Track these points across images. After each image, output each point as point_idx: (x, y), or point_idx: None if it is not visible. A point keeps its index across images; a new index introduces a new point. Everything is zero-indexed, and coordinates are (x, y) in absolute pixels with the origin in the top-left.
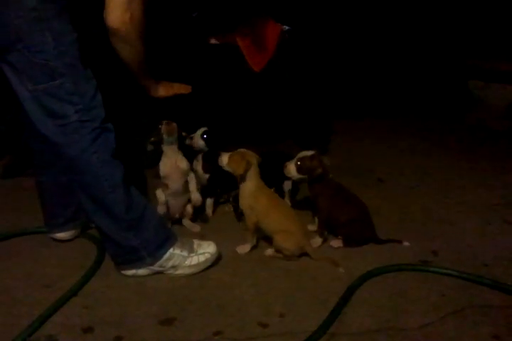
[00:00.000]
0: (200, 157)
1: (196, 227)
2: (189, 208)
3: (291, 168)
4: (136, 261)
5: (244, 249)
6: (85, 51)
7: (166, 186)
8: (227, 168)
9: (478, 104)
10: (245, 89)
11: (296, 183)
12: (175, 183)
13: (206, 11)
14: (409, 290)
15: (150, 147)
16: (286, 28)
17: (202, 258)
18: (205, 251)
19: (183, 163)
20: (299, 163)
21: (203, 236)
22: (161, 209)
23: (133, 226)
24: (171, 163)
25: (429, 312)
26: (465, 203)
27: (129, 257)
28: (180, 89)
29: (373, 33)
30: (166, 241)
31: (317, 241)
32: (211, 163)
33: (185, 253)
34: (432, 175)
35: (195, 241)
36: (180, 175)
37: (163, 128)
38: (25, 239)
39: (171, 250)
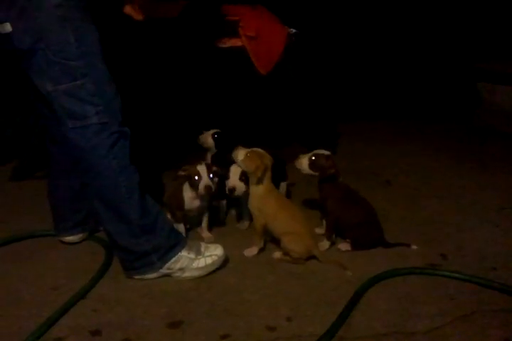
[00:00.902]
0: (208, 160)
1: (211, 238)
2: (204, 223)
3: (304, 162)
4: (147, 266)
5: (251, 251)
6: (106, 51)
7: (177, 214)
8: (239, 164)
9: (486, 107)
10: (252, 92)
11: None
12: (193, 213)
13: (213, 15)
14: (417, 293)
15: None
16: (293, 31)
17: (209, 261)
18: (212, 253)
19: (206, 202)
20: (313, 158)
21: (209, 238)
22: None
23: (146, 232)
24: (197, 201)
25: (437, 316)
26: (474, 206)
27: (140, 262)
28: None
29: (381, 35)
30: (176, 245)
31: (325, 244)
32: (220, 166)
33: (192, 256)
34: (440, 178)
35: (203, 244)
36: (201, 210)
37: (202, 167)
38: (33, 241)
39: (179, 253)
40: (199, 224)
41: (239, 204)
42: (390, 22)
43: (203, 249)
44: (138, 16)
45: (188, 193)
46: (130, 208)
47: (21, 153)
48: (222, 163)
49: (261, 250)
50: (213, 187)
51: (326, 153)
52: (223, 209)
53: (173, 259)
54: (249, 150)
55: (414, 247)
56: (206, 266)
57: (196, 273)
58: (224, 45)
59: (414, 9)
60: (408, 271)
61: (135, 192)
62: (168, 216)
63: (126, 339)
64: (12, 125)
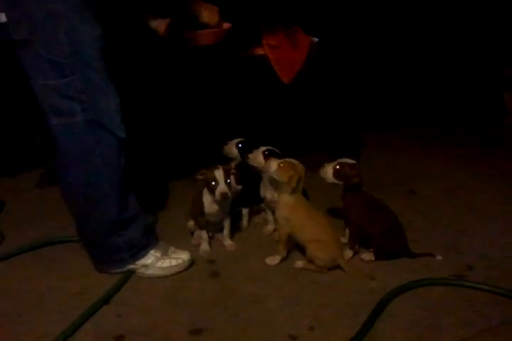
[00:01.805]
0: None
1: (233, 246)
2: (226, 230)
3: (328, 171)
4: (118, 262)
5: (273, 260)
6: (111, 53)
7: (200, 221)
8: (272, 174)
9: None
10: (275, 101)
11: None
12: (213, 218)
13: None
14: (442, 305)
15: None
16: (316, 39)
17: (174, 262)
18: (179, 256)
19: (228, 207)
20: (337, 166)
21: (231, 246)
22: (205, 246)
23: (121, 228)
24: (216, 205)
25: (462, 328)
26: (500, 216)
27: (112, 258)
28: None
29: (405, 43)
30: (148, 244)
31: (348, 253)
32: (244, 174)
33: (158, 254)
34: (466, 188)
35: (171, 248)
36: (221, 216)
37: (225, 181)
38: (59, 247)
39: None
40: (221, 231)
41: (262, 210)
42: (415, 30)
43: (170, 252)
44: (162, 32)
45: (207, 197)
46: (108, 205)
47: (46, 160)
48: (246, 172)
49: (283, 259)
50: (229, 193)
51: (351, 161)
52: (246, 217)
53: (145, 258)
54: (281, 160)
55: (438, 257)
56: (170, 266)
57: (159, 273)
58: (246, 54)
59: (439, 17)
60: (432, 281)
61: (115, 190)
62: (192, 223)
63: None
64: (39, 133)
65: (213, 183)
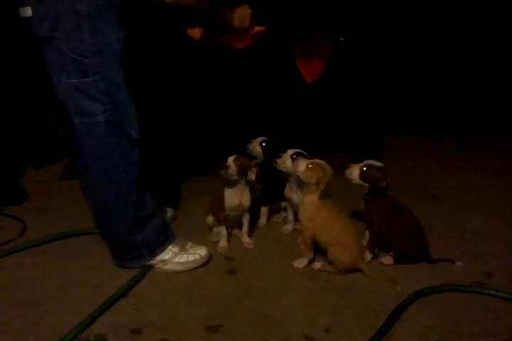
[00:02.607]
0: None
1: (252, 244)
2: (245, 227)
3: (355, 172)
4: (137, 258)
5: (301, 263)
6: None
7: (220, 216)
8: (300, 174)
9: None
10: (299, 101)
11: None
12: (233, 213)
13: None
14: (460, 311)
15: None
16: (341, 39)
17: (191, 258)
18: (196, 252)
19: (247, 201)
20: (364, 168)
21: (250, 244)
22: (223, 243)
23: (140, 226)
24: (237, 198)
25: (481, 336)
26: None
27: (131, 255)
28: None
29: (432, 45)
30: (166, 240)
31: (367, 256)
32: (265, 173)
33: (176, 250)
34: (489, 193)
35: (189, 243)
36: (241, 211)
37: (235, 165)
38: (80, 239)
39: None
40: (239, 227)
41: (282, 209)
42: (441, 32)
43: (188, 247)
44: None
45: (228, 191)
46: (127, 203)
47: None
48: (267, 171)
49: (310, 261)
50: (234, 169)
51: (379, 164)
52: (265, 216)
53: (163, 253)
54: (310, 161)
55: (459, 264)
56: (188, 262)
57: (177, 268)
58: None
59: (463, 21)
60: (452, 287)
61: (134, 187)
62: (211, 219)
63: (165, 339)
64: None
65: (226, 164)
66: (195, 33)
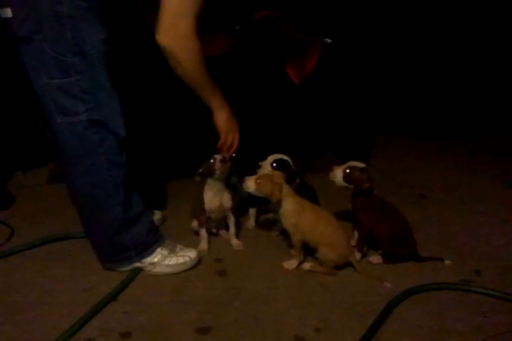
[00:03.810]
0: None
1: (240, 245)
2: (232, 229)
3: (338, 174)
4: (124, 260)
5: (291, 264)
6: (117, 54)
7: (200, 218)
8: (256, 194)
9: None
10: (285, 101)
11: None
12: (214, 215)
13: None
14: (449, 310)
15: (197, 178)
16: (328, 40)
17: (181, 260)
18: (186, 254)
19: (228, 202)
20: (347, 170)
21: (238, 246)
22: (203, 246)
23: (127, 227)
24: (217, 200)
25: (469, 334)
26: (510, 222)
27: (118, 256)
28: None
29: (419, 47)
30: (155, 242)
31: (356, 256)
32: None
33: (165, 252)
34: (477, 193)
35: (178, 245)
36: (223, 212)
37: (219, 166)
38: (68, 242)
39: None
40: (226, 228)
41: (269, 211)
42: (430, 34)
43: (177, 249)
44: None
45: (207, 193)
46: (114, 204)
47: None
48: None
49: (300, 262)
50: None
51: (361, 165)
52: (253, 217)
53: (151, 255)
54: (256, 176)
55: (447, 262)
56: (177, 264)
57: (166, 270)
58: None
59: (455, 24)
60: (440, 286)
61: (120, 188)
62: (195, 223)
63: None
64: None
65: (211, 161)
66: None
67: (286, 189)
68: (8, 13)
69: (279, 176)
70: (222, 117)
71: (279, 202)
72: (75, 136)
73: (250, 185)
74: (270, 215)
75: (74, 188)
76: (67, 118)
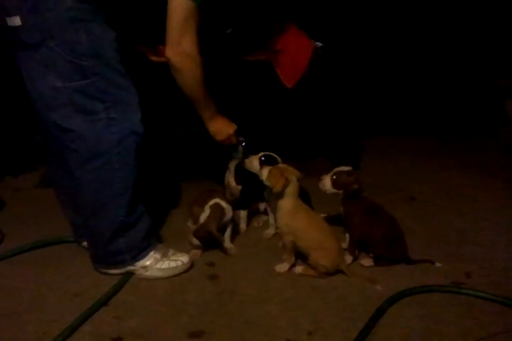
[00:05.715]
0: (232, 168)
1: (233, 249)
2: (227, 233)
3: (327, 182)
4: (118, 263)
5: (282, 267)
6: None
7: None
8: (266, 183)
9: None
10: (277, 106)
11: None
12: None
13: (240, 28)
14: (440, 312)
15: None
16: (320, 44)
17: (173, 264)
18: (178, 258)
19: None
20: (334, 177)
21: (231, 249)
22: (196, 250)
23: (125, 230)
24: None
25: (460, 336)
26: (500, 224)
27: (112, 259)
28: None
29: (406, 50)
30: (148, 246)
31: (347, 259)
32: (243, 175)
33: (157, 256)
34: (466, 195)
35: (171, 250)
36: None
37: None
38: (59, 247)
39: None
40: (222, 233)
41: (261, 212)
42: (415, 37)
43: (169, 254)
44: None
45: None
46: (118, 205)
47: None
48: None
49: (292, 266)
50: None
51: (347, 168)
52: (244, 220)
53: (144, 259)
54: (271, 167)
55: (438, 265)
56: (169, 268)
57: (158, 274)
58: (250, 58)
59: (439, 25)
60: (431, 288)
61: (128, 190)
62: (191, 223)
63: None
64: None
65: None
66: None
67: (292, 187)
68: (16, 21)
69: (291, 172)
70: (212, 128)
71: (278, 197)
72: (93, 134)
73: (264, 173)
74: (262, 217)
75: (80, 186)
76: (88, 117)
